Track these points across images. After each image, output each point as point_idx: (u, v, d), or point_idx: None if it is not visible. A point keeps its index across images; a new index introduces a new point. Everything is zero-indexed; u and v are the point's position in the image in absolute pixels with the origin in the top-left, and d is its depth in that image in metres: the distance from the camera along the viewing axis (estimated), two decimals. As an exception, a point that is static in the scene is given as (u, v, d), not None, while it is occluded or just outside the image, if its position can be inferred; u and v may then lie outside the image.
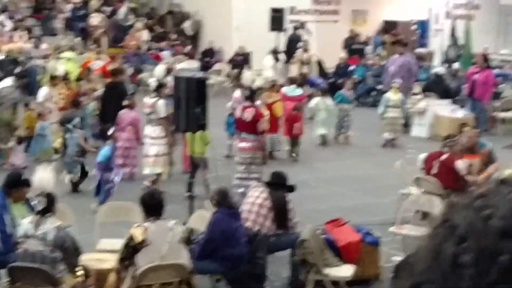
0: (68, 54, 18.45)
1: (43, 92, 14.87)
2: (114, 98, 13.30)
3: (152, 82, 13.02)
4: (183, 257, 6.89)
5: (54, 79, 15.33)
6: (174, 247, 6.76)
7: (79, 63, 18.79)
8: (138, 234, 6.70)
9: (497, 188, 1.01)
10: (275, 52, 21.26)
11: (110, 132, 11.33)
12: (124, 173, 12.13)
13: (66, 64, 17.76)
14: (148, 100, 12.26)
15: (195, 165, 11.64)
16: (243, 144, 11.44)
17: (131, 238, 6.71)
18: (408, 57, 18.31)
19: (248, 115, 11.35)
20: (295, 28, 24.21)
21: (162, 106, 11.98)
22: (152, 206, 6.93)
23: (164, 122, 11.97)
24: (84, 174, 12.12)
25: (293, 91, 15.78)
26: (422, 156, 11.19)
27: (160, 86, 12.45)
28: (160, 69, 16.38)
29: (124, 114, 12.61)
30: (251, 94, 11.94)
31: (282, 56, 22.64)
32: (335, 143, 16.11)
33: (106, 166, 10.86)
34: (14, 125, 13.56)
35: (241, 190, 10.95)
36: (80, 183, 12.14)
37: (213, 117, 13.59)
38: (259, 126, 11.33)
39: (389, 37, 25.33)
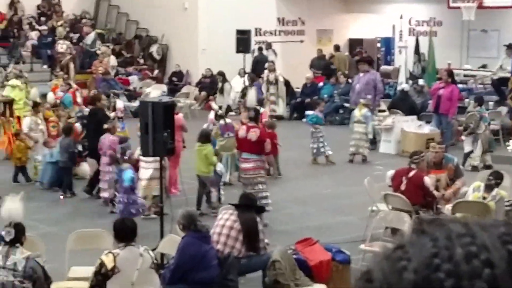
0: (14, 81, 18.43)
1: (26, 121, 14.81)
2: (94, 124, 13.50)
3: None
4: (154, 283, 6.91)
5: (36, 107, 15.26)
6: (144, 273, 6.78)
7: (25, 91, 18.75)
8: (108, 261, 6.70)
9: (416, 239, 0.99)
10: (220, 74, 21.45)
11: (127, 155, 11.53)
12: (106, 198, 12.74)
13: (11, 91, 17.68)
14: None
15: (202, 183, 12.24)
16: (247, 165, 11.53)
17: (101, 265, 6.72)
18: (374, 75, 18.49)
19: (253, 135, 11.43)
20: (260, 49, 24.40)
21: None
22: (123, 232, 6.95)
23: None
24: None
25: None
26: (390, 173, 11.30)
27: None
28: (155, 94, 16.42)
29: (105, 139, 12.80)
30: (256, 115, 12.05)
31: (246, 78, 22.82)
32: (313, 163, 16.20)
33: (131, 188, 11.19)
34: None
35: None
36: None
37: (186, 139, 13.75)
38: (265, 147, 11.43)
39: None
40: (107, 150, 12.69)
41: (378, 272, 0.96)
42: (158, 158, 11.35)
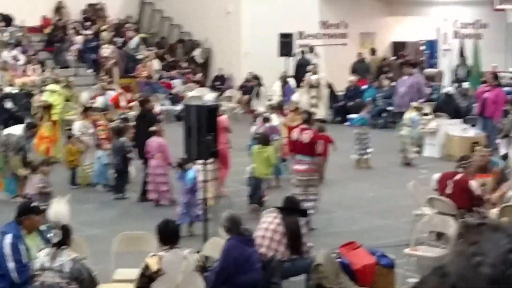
0: (52, 86, 18.60)
1: (77, 125, 14.96)
2: (143, 126, 13.69)
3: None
4: (198, 286, 6.93)
5: (86, 111, 15.39)
6: (188, 276, 6.81)
7: (63, 96, 18.88)
8: (153, 263, 6.74)
9: (489, 235, 1.00)
10: (255, 78, 21.46)
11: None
12: (155, 199, 13.05)
13: (50, 96, 17.84)
14: None
15: (257, 184, 12.44)
16: (300, 167, 11.50)
17: (146, 268, 6.76)
18: (417, 78, 18.36)
19: (306, 137, 11.42)
20: (303, 53, 24.35)
21: None
22: (167, 235, 6.98)
23: None
24: None
25: None
26: (436, 176, 11.20)
27: None
28: (210, 97, 16.54)
29: (152, 142, 12.96)
30: (309, 117, 12.05)
31: (292, 81, 22.81)
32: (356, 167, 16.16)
33: (192, 189, 11.32)
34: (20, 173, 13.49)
35: None
36: None
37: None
38: (317, 148, 11.42)
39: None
40: (155, 153, 12.81)
41: (453, 267, 0.97)
42: (213, 160, 11.51)
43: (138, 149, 13.80)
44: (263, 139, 12.76)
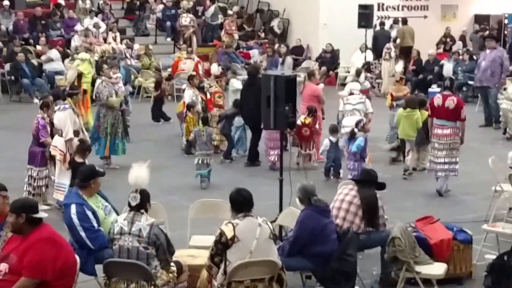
0: (83, 55, 18.68)
1: (188, 94, 15.13)
2: (252, 94, 13.74)
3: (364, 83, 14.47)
4: (272, 253, 6.93)
5: (192, 79, 15.47)
6: (262, 243, 6.81)
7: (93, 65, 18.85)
8: (228, 231, 6.79)
9: None
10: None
11: (361, 124, 12.41)
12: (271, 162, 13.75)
13: (81, 65, 17.87)
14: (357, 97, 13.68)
15: (404, 145, 13.52)
16: (443, 131, 11.98)
17: (221, 235, 6.81)
18: (500, 52, 17.90)
19: (451, 103, 11.85)
20: (381, 24, 24.01)
21: (370, 105, 14.05)
22: (239, 203, 6.98)
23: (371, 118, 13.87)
24: None
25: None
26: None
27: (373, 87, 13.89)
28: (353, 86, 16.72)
29: None
30: (451, 84, 12.50)
31: (369, 53, 22.57)
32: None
33: (360, 156, 12.20)
34: None
35: (441, 174, 12.11)
36: None
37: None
38: (462, 114, 11.92)
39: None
40: None
41: None
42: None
43: (246, 116, 14.11)
44: (412, 103, 13.39)
